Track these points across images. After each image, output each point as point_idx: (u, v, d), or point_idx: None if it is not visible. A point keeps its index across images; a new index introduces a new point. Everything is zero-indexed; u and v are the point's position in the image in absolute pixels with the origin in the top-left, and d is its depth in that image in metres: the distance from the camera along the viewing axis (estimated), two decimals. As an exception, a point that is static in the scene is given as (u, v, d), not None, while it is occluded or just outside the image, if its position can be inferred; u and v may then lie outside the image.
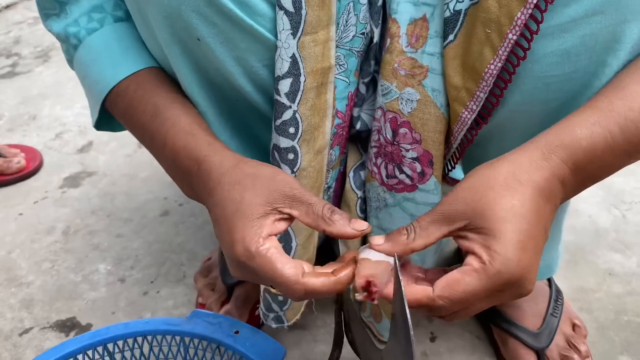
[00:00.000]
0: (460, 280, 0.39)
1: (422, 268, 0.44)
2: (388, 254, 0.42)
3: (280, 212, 0.43)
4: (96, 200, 1.02)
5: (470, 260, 0.39)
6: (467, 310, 0.40)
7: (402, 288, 0.35)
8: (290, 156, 0.53)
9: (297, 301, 0.44)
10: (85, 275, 0.86)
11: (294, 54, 0.49)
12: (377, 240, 0.43)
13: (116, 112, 0.58)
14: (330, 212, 0.42)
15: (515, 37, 0.44)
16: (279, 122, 0.52)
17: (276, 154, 0.53)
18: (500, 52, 0.45)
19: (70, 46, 0.60)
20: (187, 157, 0.49)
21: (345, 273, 0.41)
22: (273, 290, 0.43)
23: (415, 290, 0.40)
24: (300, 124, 0.51)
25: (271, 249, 0.41)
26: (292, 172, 0.54)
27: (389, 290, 0.40)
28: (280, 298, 0.62)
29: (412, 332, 0.34)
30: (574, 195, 0.45)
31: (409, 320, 0.34)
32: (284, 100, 0.50)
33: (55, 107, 1.32)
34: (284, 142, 0.52)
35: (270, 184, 0.43)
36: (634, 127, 0.43)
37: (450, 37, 0.49)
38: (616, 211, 0.94)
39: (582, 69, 0.46)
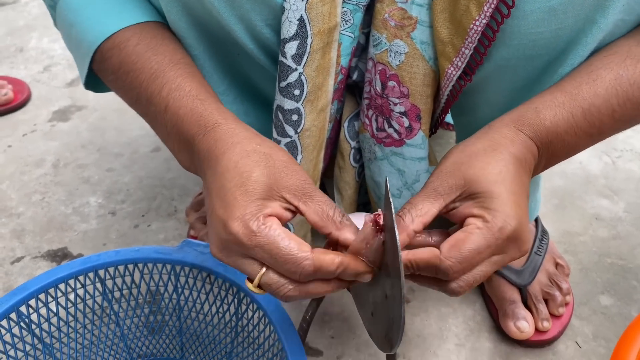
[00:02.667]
0: (466, 239, 0.40)
1: (425, 232, 0.44)
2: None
3: (288, 202, 0.40)
4: (86, 135, 1.01)
5: (472, 220, 0.41)
6: (473, 275, 0.41)
7: (392, 211, 0.35)
8: (294, 117, 0.52)
9: (292, 294, 0.40)
10: (76, 207, 0.86)
11: (302, 16, 0.47)
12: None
13: (107, 67, 0.51)
14: (340, 217, 0.41)
15: None
16: (283, 84, 0.50)
17: (280, 114, 0.53)
18: (485, 8, 0.45)
19: None
20: (193, 123, 0.45)
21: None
22: (255, 290, 0.40)
23: (423, 253, 0.40)
24: (305, 85, 0.51)
25: (274, 226, 0.38)
26: (296, 132, 0.53)
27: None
28: None
29: (400, 252, 0.34)
30: (542, 171, 0.48)
31: (398, 240, 0.34)
32: (289, 62, 0.49)
33: (42, 40, 1.28)
34: (289, 104, 0.51)
35: (284, 170, 0.41)
36: (596, 111, 0.45)
37: None
38: (607, 158, 0.94)
39: (569, 26, 0.45)
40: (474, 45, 0.47)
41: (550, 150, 0.46)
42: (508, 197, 0.40)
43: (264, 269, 0.39)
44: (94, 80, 0.57)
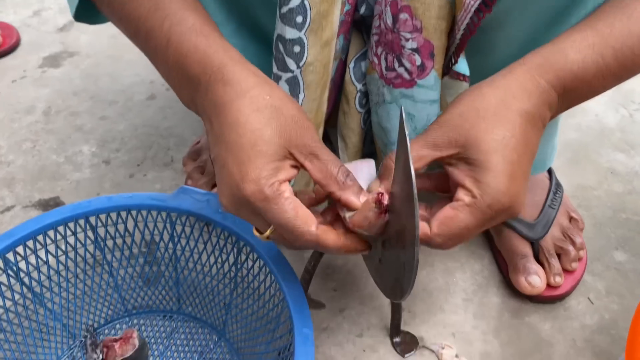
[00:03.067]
0: (454, 217, 0.40)
1: (425, 177, 0.44)
2: (385, 189, 0.41)
3: (295, 160, 0.40)
4: (78, 82, 0.96)
5: (462, 195, 0.40)
6: (463, 239, 0.42)
7: (408, 143, 0.32)
8: (297, 49, 0.48)
9: (295, 249, 0.42)
10: (69, 156, 0.83)
11: None
12: (374, 186, 0.42)
13: None
14: (345, 176, 0.40)
15: None
16: (285, 9, 0.46)
17: (281, 45, 0.48)
18: None
19: None
20: (197, 62, 0.42)
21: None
22: (261, 236, 0.41)
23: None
24: (308, 12, 0.46)
25: (286, 194, 0.39)
26: (298, 66, 0.50)
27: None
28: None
29: (415, 190, 0.31)
30: (559, 114, 0.46)
31: (412, 175, 0.31)
32: None
33: (32, -17, 1.22)
34: (290, 33, 0.47)
35: (294, 127, 0.40)
36: (629, 52, 0.42)
37: None
38: (624, 111, 0.90)
39: None
40: None
41: (574, 95, 0.43)
42: (503, 170, 0.39)
43: (272, 227, 0.40)
44: (84, 11, 0.53)
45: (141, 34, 0.46)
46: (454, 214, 0.40)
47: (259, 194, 0.38)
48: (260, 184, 0.38)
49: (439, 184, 0.46)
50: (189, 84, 0.43)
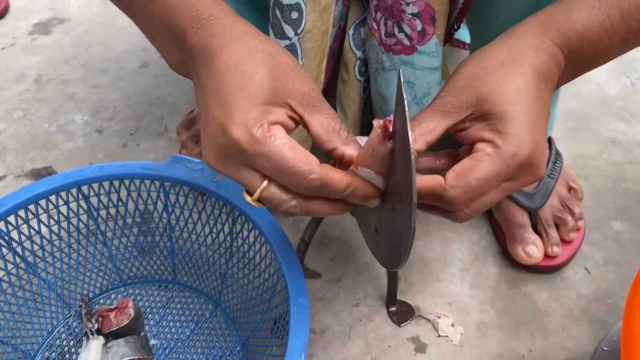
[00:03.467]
0: (473, 167, 0.36)
1: (432, 155, 0.41)
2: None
3: (293, 110, 0.36)
4: (69, 49, 0.94)
5: (482, 146, 0.37)
6: (481, 203, 0.38)
7: (406, 108, 0.30)
8: (294, 15, 0.46)
9: (294, 211, 0.37)
10: (60, 125, 0.81)
11: None
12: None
13: None
14: (346, 133, 0.37)
15: None
16: None
17: (278, 12, 0.46)
18: None
19: None
20: (186, 15, 0.38)
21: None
22: (254, 203, 0.36)
23: (425, 181, 0.36)
24: None
25: (279, 134, 0.34)
26: (296, 33, 0.48)
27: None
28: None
29: (412, 157, 0.30)
30: (567, 82, 0.43)
31: (410, 141, 0.30)
32: None
33: (20, -53, 1.18)
34: None
35: (290, 73, 0.36)
36: (637, 12, 0.39)
37: None
38: (626, 80, 0.88)
39: None
40: None
41: (579, 58, 0.41)
42: (524, 119, 0.37)
43: (265, 182, 0.35)
44: None
45: None
46: (473, 164, 0.36)
47: (248, 135, 0.33)
48: (248, 125, 0.33)
49: (450, 162, 0.42)
50: (176, 39, 0.39)
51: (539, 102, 0.38)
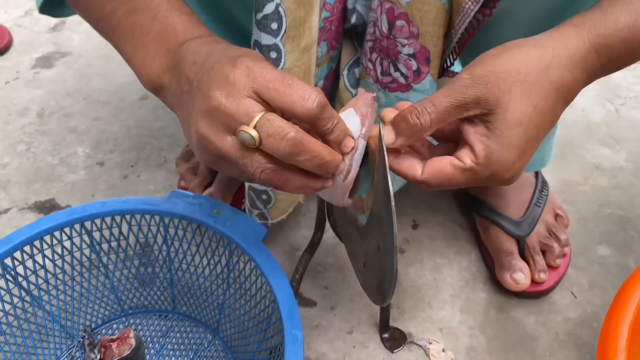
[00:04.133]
0: (448, 174, 0.39)
1: (430, 145, 0.43)
2: (397, 146, 0.40)
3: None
4: (71, 82, 0.97)
5: (466, 157, 0.39)
6: (446, 188, 0.41)
7: (386, 161, 0.33)
8: (273, 55, 0.49)
9: (285, 152, 0.35)
10: (63, 158, 0.84)
11: None
12: (388, 115, 0.40)
13: None
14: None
15: None
16: (260, 15, 0.47)
17: (257, 50, 0.49)
18: None
19: None
20: (191, 29, 0.43)
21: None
22: (250, 131, 0.34)
23: (405, 165, 0.40)
24: (284, 19, 0.47)
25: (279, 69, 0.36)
26: None
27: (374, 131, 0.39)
28: (264, 196, 0.61)
29: (393, 203, 0.32)
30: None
31: (391, 191, 0.33)
32: None
33: (23, -18, 1.22)
34: (266, 39, 0.48)
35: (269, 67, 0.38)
36: None
37: None
38: (610, 106, 0.91)
39: None
40: None
41: (613, 64, 0.41)
42: (519, 146, 0.38)
43: (263, 112, 0.36)
44: (50, 2, 0.54)
45: (118, 13, 0.45)
46: (449, 172, 0.39)
47: (253, 64, 0.36)
48: (253, 58, 0.37)
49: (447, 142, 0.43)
50: (168, 48, 0.43)
51: (546, 124, 0.39)
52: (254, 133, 0.35)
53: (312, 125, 0.37)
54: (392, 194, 0.32)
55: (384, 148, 0.34)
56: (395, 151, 0.40)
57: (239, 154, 0.36)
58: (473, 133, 0.39)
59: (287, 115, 0.36)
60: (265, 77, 0.36)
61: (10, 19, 1.11)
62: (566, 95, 0.40)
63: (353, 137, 0.37)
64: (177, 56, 0.42)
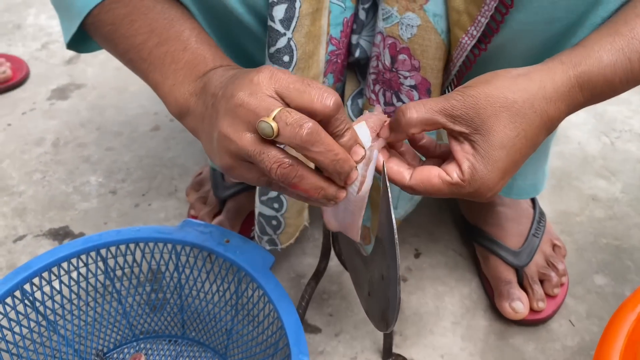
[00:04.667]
0: (434, 185, 0.42)
1: (419, 159, 0.46)
2: (386, 139, 0.43)
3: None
4: (85, 113, 1.01)
5: (453, 172, 0.42)
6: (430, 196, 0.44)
7: (389, 193, 0.36)
8: None
9: (304, 143, 0.37)
10: (77, 186, 0.87)
11: None
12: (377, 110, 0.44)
13: (107, 18, 0.51)
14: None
15: None
16: (273, 49, 0.50)
17: None
18: None
19: None
20: (219, 58, 0.48)
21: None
22: (270, 122, 0.36)
23: (394, 170, 0.43)
24: (295, 52, 0.50)
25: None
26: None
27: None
28: (274, 222, 0.63)
29: (396, 235, 0.35)
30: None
31: (394, 223, 0.35)
32: (278, 27, 0.49)
33: (40, 16, 1.27)
34: None
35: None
36: None
37: None
38: (606, 139, 0.94)
39: None
40: (491, 13, 0.46)
41: (595, 99, 0.44)
42: (501, 168, 0.41)
43: (283, 107, 0.38)
44: (75, 40, 0.56)
45: (148, 45, 0.49)
46: (436, 183, 0.42)
47: (277, 70, 0.38)
48: (274, 69, 0.39)
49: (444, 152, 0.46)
50: (197, 74, 0.46)
51: (528, 150, 0.42)
52: (272, 123, 0.36)
53: (327, 123, 0.38)
54: (395, 226, 0.35)
55: (387, 178, 0.36)
56: (385, 154, 0.43)
57: (257, 148, 0.37)
58: (460, 151, 0.42)
59: (305, 113, 0.38)
60: (287, 79, 0.38)
61: (27, 52, 1.16)
62: (549, 125, 0.43)
63: (363, 147, 0.40)
64: (205, 79, 0.45)
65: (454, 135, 0.42)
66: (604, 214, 0.82)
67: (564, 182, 0.87)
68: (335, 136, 0.39)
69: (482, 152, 0.41)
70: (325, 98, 0.37)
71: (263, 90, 0.38)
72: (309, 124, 0.36)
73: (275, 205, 0.61)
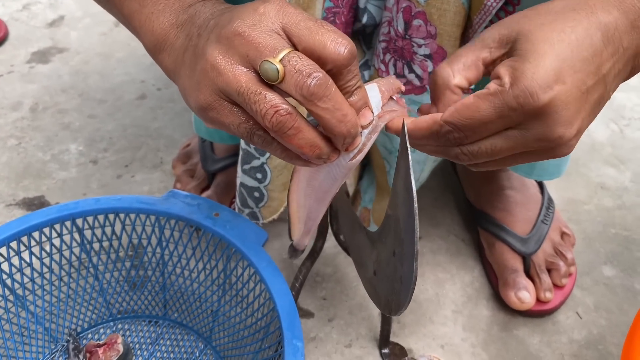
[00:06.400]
0: (471, 105, 0.34)
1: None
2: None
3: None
4: (67, 78, 0.94)
5: (490, 83, 0.34)
6: (480, 146, 0.35)
7: (409, 160, 0.31)
8: None
9: (288, 118, 0.32)
10: (55, 154, 0.81)
11: None
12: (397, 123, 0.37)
13: None
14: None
15: None
16: None
17: None
18: None
19: None
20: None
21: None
22: (276, 63, 0.31)
23: (422, 120, 0.36)
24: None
25: None
26: None
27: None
28: (256, 194, 0.58)
29: (416, 204, 0.30)
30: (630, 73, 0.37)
31: (414, 190, 0.30)
32: None
33: (22, -24, 1.20)
34: None
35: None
36: None
37: None
38: (614, 126, 0.90)
39: None
40: None
41: None
42: (551, 61, 0.32)
43: (291, 49, 0.32)
44: None
45: None
46: (472, 102, 0.34)
47: (287, 5, 0.33)
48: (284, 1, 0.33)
49: None
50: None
51: (582, 53, 0.33)
52: (279, 66, 0.31)
53: (338, 75, 0.33)
54: (414, 195, 0.30)
55: (407, 142, 0.32)
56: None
57: (253, 88, 0.32)
58: (500, 66, 0.35)
59: (314, 58, 0.32)
60: (298, 15, 0.32)
61: (7, 12, 1.09)
62: (605, 32, 0.34)
63: (372, 111, 0.34)
64: (191, 12, 0.38)
65: (494, 63, 0.36)
66: (612, 203, 0.78)
67: (571, 169, 0.83)
68: (345, 92, 0.34)
69: (521, 52, 0.33)
70: (339, 44, 0.32)
71: (268, 22, 0.32)
72: (319, 74, 0.31)
73: (259, 176, 0.56)
